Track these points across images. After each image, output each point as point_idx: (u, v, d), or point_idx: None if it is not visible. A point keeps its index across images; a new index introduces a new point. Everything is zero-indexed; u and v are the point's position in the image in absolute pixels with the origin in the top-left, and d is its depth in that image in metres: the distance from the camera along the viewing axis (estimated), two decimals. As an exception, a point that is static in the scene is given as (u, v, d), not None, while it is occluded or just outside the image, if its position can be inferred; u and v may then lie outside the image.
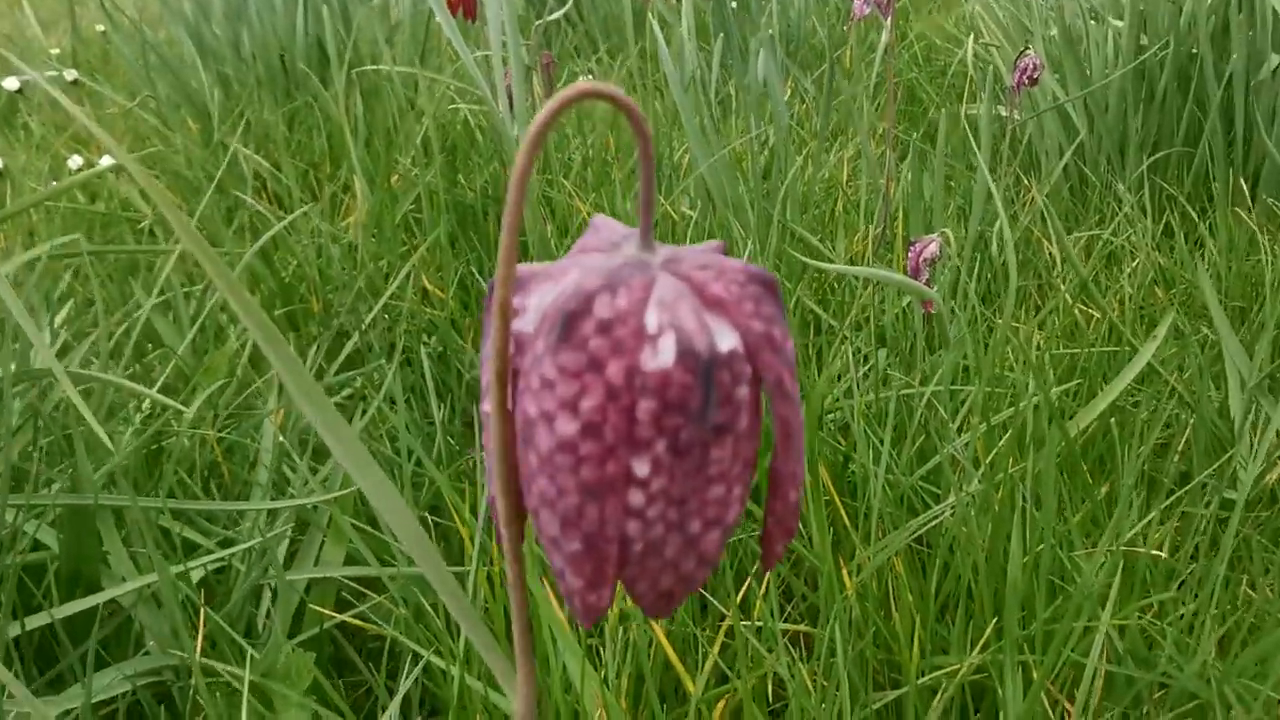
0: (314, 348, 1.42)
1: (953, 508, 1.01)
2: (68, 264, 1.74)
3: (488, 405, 0.41)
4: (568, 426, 0.37)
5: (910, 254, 1.19)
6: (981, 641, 0.92)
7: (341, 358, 1.43)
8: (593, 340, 0.37)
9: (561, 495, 0.38)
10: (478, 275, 1.68)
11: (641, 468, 0.37)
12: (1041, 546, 0.97)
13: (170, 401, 0.90)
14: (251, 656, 0.95)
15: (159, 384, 1.32)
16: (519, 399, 0.39)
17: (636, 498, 0.37)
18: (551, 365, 0.37)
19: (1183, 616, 1.00)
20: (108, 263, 1.69)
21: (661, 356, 0.37)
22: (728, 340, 0.38)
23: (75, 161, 2.15)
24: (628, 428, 0.37)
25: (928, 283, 1.16)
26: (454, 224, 1.86)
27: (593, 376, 0.36)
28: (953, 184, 2.01)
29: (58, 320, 1.41)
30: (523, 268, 0.41)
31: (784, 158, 1.92)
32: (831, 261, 1.60)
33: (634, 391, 0.36)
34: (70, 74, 2.83)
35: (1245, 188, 2.00)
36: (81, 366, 1.33)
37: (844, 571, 0.98)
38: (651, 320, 0.37)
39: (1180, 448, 1.27)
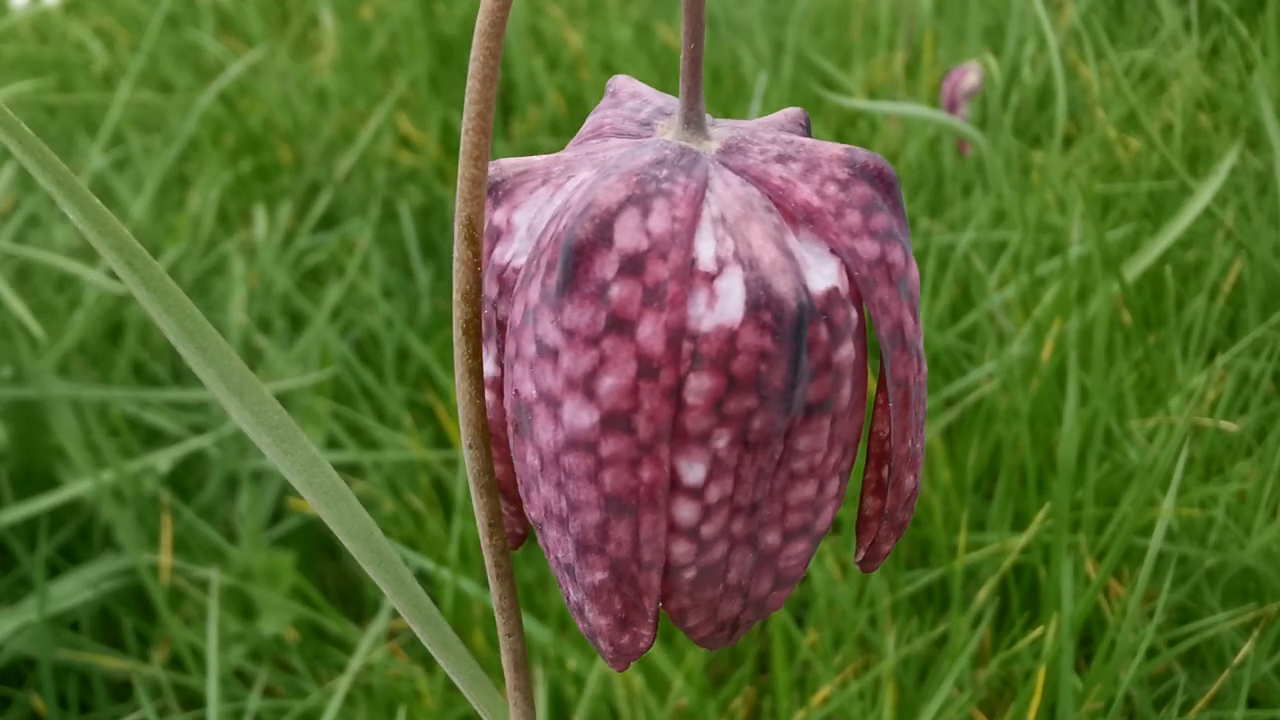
0: (284, 204, 1.30)
1: (990, 375, 0.92)
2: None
3: (491, 364, 0.28)
4: (581, 416, 0.24)
5: (945, 85, 1.04)
6: (1037, 520, 0.84)
7: (316, 215, 1.32)
8: (614, 286, 0.23)
9: (576, 510, 0.25)
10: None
11: (694, 471, 0.24)
12: (1092, 407, 0.87)
13: (115, 285, 0.79)
14: (228, 557, 0.87)
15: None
16: (507, 369, 0.26)
17: (686, 511, 0.25)
18: (553, 324, 0.24)
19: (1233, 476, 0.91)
20: (59, 115, 1.55)
21: (724, 308, 0.23)
22: (825, 274, 0.24)
23: (20, -1, 1.98)
24: (671, 416, 0.24)
25: (965, 119, 1.03)
26: (434, 60, 1.70)
27: (615, 341, 0.23)
28: None
29: (3, 180, 1.29)
30: (506, 164, 0.27)
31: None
32: (850, 93, 1.45)
33: (680, 363, 0.23)
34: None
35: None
36: (28, 226, 1.22)
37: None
38: (706, 250, 0.24)
39: (1228, 290, 1.17)
